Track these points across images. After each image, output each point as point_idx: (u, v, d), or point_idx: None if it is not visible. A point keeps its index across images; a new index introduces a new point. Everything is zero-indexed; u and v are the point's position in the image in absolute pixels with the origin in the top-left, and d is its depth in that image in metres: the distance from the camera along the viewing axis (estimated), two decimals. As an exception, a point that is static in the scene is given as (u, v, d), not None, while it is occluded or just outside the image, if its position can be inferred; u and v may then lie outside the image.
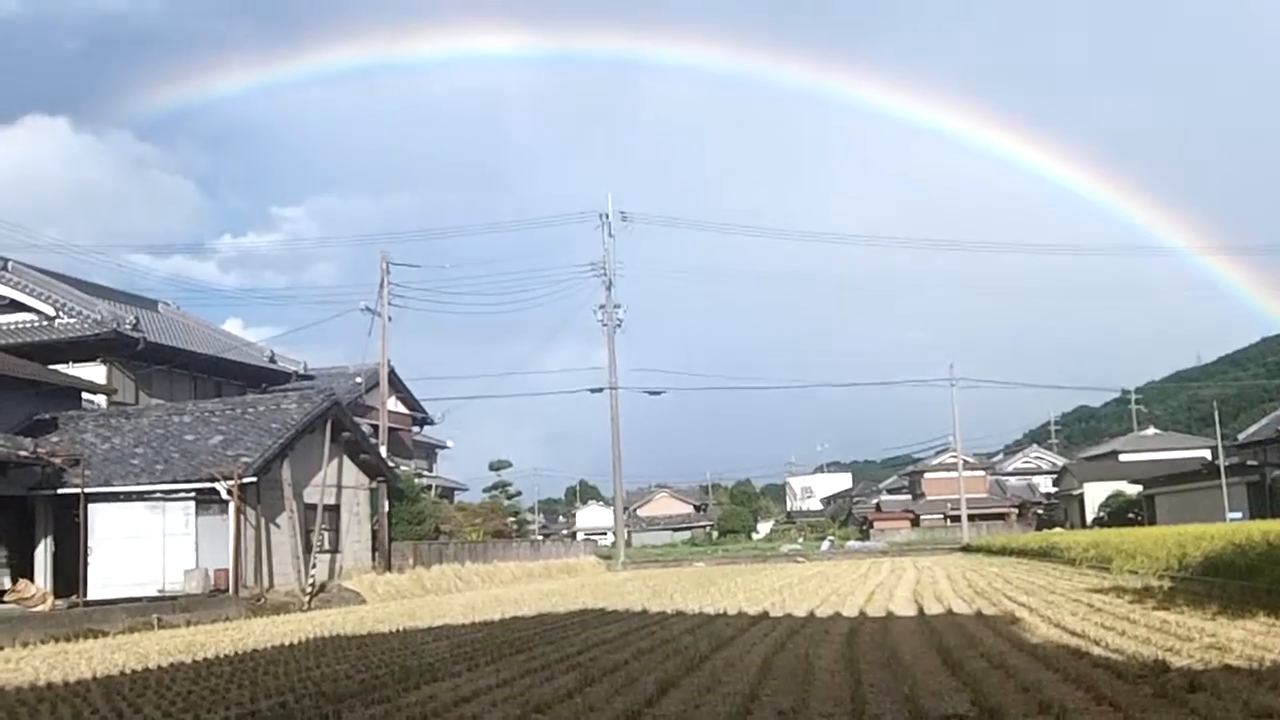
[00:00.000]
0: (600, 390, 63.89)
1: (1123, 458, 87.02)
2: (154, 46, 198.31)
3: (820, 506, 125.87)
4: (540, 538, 78.82)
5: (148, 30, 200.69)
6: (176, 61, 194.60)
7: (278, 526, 30.66)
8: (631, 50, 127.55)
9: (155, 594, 27.11)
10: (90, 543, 28.26)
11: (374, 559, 36.92)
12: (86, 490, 28.24)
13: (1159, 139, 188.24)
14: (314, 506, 32.53)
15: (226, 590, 27.82)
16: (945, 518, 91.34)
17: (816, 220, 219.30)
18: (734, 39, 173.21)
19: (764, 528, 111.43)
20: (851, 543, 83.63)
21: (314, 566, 31.07)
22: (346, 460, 35.58)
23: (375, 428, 47.65)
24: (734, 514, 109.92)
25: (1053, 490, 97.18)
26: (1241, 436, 72.51)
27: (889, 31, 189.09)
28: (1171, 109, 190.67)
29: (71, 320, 37.79)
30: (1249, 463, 59.32)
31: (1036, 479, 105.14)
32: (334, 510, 34.42)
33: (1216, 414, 63.44)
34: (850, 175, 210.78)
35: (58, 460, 28.80)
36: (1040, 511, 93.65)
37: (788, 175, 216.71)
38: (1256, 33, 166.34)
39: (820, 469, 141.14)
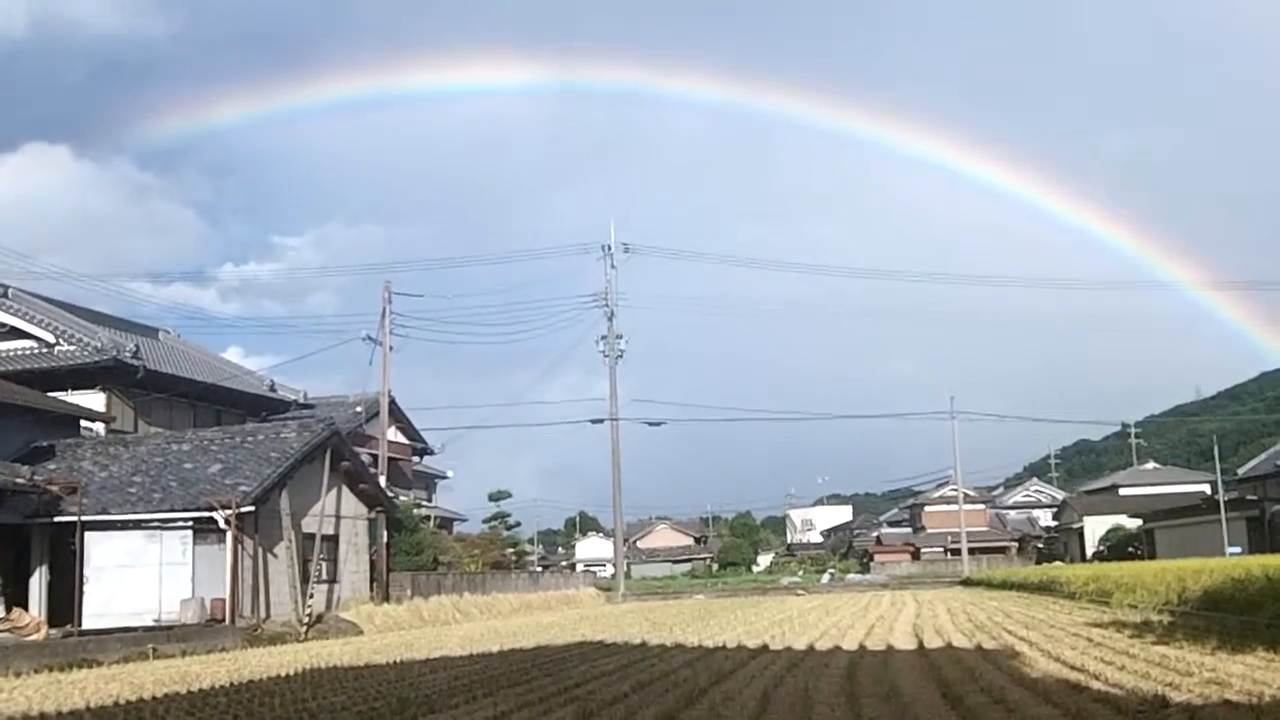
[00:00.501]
0: (601, 421, 63.86)
1: (1123, 492, 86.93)
2: (157, 75, 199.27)
3: (820, 539, 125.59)
4: (539, 569, 78.61)
5: (150, 59, 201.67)
6: (179, 90, 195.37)
7: (275, 556, 30.56)
8: (636, 83, 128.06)
9: (151, 624, 26.97)
10: (86, 571, 28.08)
11: (372, 590, 36.78)
12: (83, 519, 28.13)
13: (1157, 173, 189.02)
14: (312, 536, 32.42)
15: (223, 620, 27.67)
16: (945, 551, 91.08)
17: (818, 253, 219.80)
18: (738, 72, 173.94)
19: (764, 560, 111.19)
20: (852, 575, 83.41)
21: (311, 597, 30.94)
22: (345, 490, 35.50)
23: (375, 457, 47.61)
24: (734, 546, 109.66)
25: (1053, 524, 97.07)
26: (1241, 471, 72.40)
27: (890, 66, 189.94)
28: (1169, 144, 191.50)
29: (71, 347, 37.78)
30: (1248, 498, 59.24)
31: (1036, 512, 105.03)
32: (332, 540, 34.32)
33: (1216, 449, 63.45)
34: (852, 208, 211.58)
35: (55, 488, 28.73)
36: (1040, 545, 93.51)
37: (790, 208, 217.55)
38: (1256, 65, 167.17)
39: (820, 501, 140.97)
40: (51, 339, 38.17)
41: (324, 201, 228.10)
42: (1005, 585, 50.63)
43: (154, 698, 14.38)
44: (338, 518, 34.72)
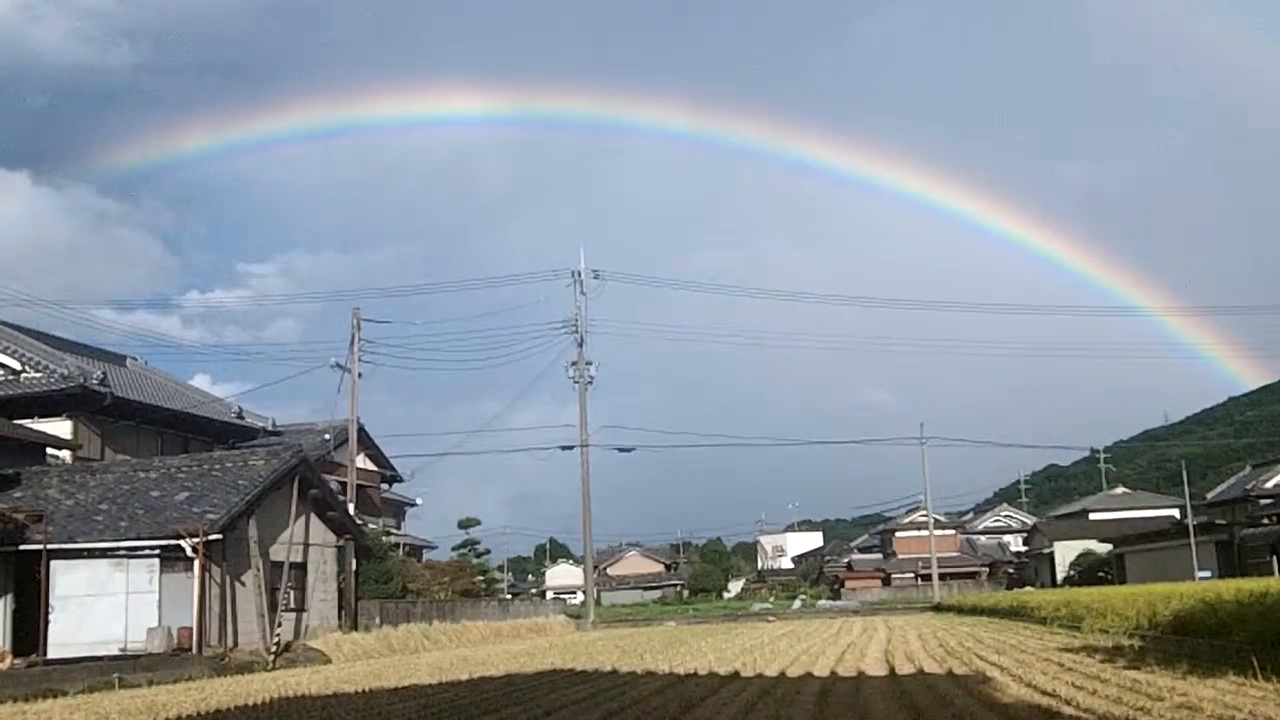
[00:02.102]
0: (571, 447, 63.63)
1: (1092, 516, 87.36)
2: (121, 104, 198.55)
3: (791, 565, 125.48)
4: (509, 597, 78.21)
5: (115, 88, 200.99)
6: (144, 118, 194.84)
7: (243, 584, 30.29)
8: (597, 112, 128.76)
9: (117, 653, 26.69)
10: (52, 600, 27.79)
11: (340, 618, 36.49)
12: (49, 547, 27.84)
13: (1126, 203, 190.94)
14: (280, 564, 32.17)
15: (190, 649, 27.41)
16: (916, 577, 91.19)
17: (786, 281, 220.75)
18: (699, 101, 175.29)
19: (735, 587, 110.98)
20: (823, 602, 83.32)
21: (279, 625, 30.65)
22: (314, 518, 35.25)
23: (343, 485, 47.32)
24: (705, 573, 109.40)
25: (1023, 549, 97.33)
26: (1210, 496, 73.04)
27: (856, 97, 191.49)
28: (1138, 174, 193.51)
29: (38, 375, 37.46)
30: (1217, 522, 59.63)
31: (1007, 538, 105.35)
32: (300, 568, 34.05)
33: (1185, 473, 63.86)
34: (820, 236, 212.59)
35: (20, 516, 28.42)
36: (1011, 570, 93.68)
37: (756, 236, 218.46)
38: (1219, 97, 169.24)
39: (791, 528, 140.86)
40: (18, 366, 37.83)
41: (288, 230, 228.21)
42: (976, 611, 50.67)
43: (119, 729, 14.19)
44: (306, 546, 34.47)
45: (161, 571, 28.46)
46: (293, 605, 33.18)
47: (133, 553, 28.62)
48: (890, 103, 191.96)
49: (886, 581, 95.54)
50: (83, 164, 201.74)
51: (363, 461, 54.80)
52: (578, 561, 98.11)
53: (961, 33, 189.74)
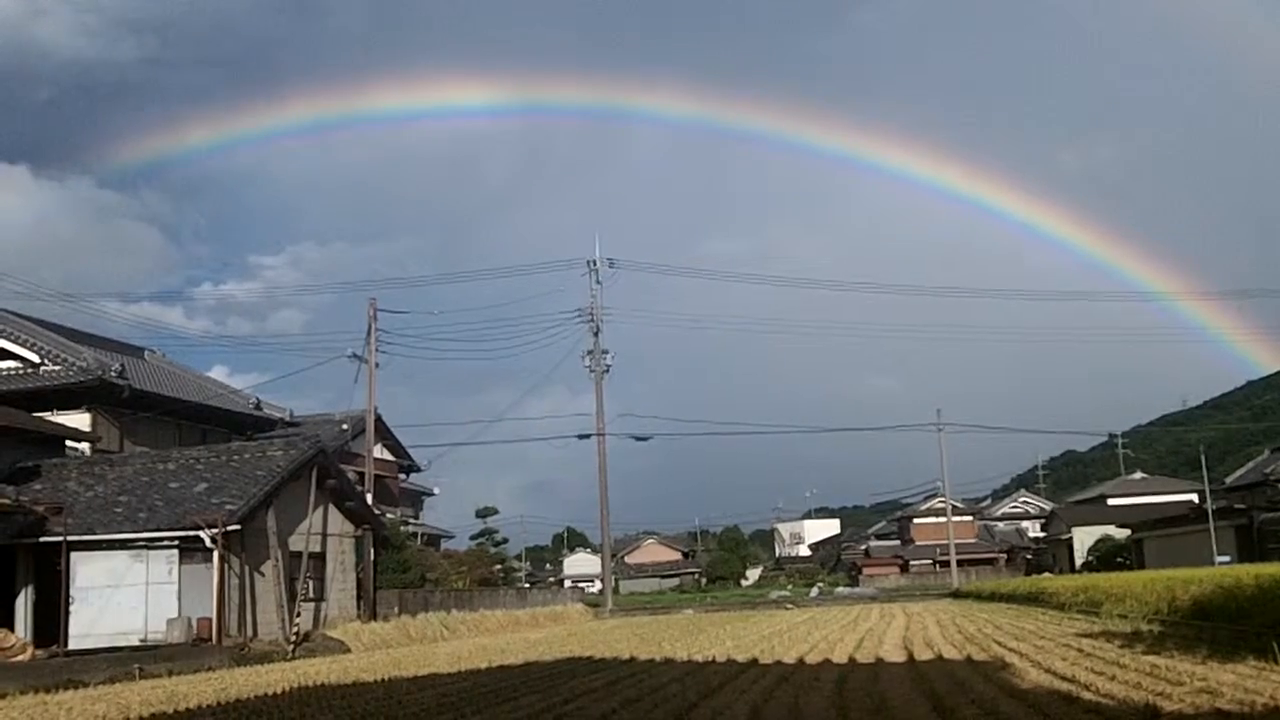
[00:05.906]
0: (588, 436, 63.61)
1: (1110, 502, 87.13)
2: (123, 97, 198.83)
3: (809, 553, 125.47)
4: (527, 585, 78.38)
5: (116, 81, 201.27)
6: (146, 112, 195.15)
7: (262, 575, 30.40)
8: (602, 101, 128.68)
9: (137, 644, 26.82)
10: (72, 592, 27.95)
11: (359, 607, 36.60)
12: (69, 539, 27.97)
13: (1144, 187, 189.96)
14: (299, 554, 32.27)
15: (210, 640, 27.51)
16: (934, 563, 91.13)
17: (798, 267, 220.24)
18: (707, 89, 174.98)
19: (753, 574, 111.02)
20: (840, 589, 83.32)
21: (298, 615, 30.76)
22: (332, 508, 35.34)
23: (361, 475, 47.45)
24: (722, 561, 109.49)
25: (1041, 535, 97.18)
26: (1228, 480, 72.70)
27: (863, 82, 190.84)
28: (1155, 157, 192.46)
29: (56, 367, 37.59)
30: (1236, 506, 59.27)
31: (1025, 524, 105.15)
32: (319, 558, 34.15)
33: (1203, 458, 63.53)
34: (831, 222, 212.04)
35: (40, 509, 28.56)
36: (1029, 556, 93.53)
37: (767, 222, 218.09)
38: (1236, 78, 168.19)
39: (809, 515, 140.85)
40: (36, 359, 37.98)
41: (297, 222, 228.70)
42: (994, 597, 50.59)
43: (140, 718, 14.26)
44: (324, 536, 34.57)
45: (181, 562, 28.58)
46: (311, 595, 33.27)
47: (152, 544, 28.74)
48: (897, 87, 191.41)
49: (904, 568, 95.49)
50: (86, 158, 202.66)
51: (380, 451, 54.94)
52: (596, 550, 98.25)
53: (965, 15, 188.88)
